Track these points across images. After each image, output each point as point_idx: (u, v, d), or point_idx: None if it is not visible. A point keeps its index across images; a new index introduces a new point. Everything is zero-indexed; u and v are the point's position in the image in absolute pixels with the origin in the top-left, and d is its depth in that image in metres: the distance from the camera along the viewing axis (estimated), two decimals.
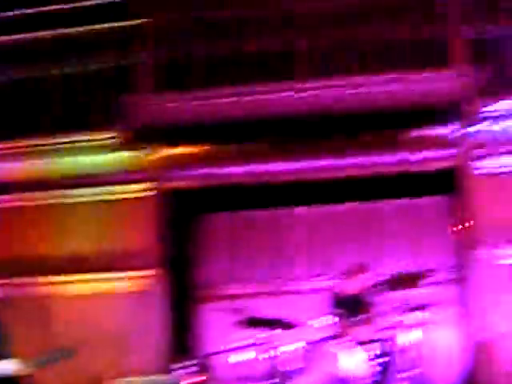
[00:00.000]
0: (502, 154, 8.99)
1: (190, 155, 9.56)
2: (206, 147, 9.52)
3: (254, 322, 8.10)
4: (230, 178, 9.50)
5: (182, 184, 9.60)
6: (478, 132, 8.96)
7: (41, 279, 9.58)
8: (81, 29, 9.98)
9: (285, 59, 9.40)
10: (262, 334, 8.02)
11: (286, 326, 8.14)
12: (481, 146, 9.00)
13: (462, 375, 8.80)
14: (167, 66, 9.58)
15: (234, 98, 9.00)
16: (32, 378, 5.87)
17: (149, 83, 9.60)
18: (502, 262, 8.59)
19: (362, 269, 8.50)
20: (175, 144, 9.52)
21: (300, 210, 10.03)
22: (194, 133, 9.28)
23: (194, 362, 8.18)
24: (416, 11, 9.35)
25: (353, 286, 8.29)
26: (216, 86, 9.28)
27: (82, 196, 9.78)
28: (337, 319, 7.92)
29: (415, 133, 9.21)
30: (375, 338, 7.77)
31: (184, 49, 9.55)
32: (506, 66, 9.16)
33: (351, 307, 7.99)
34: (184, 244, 9.97)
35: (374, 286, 8.34)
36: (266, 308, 8.88)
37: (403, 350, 7.93)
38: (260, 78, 9.27)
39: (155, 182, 9.58)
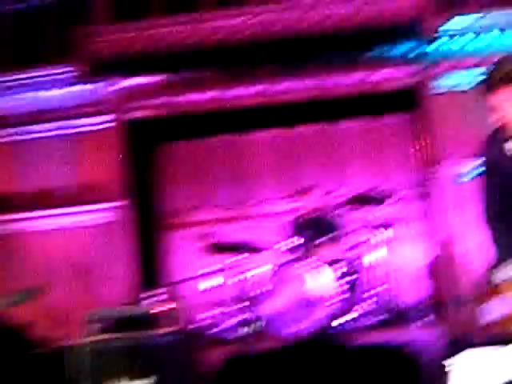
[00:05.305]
0: (459, 71, 8.99)
1: (148, 85, 9.39)
2: (163, 76, 9.35)
3: (221, 248, 8.19)
4: (188, 105, 9.41)
5: (141, 114, 9.49)
6: (436, 49, 8.92)
7: (5, 217, 9.55)
8: None
9: None
10: (229, 259, 8.13)
11: (253, 249, 8.23)
12: (439, 63, 8.99)
13: (428, 291, 8.99)
14: None
15: (189, 26, 8.89)
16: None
17: (103, 13, 9.42)
18: (462, 177, 8.67)
19: (311, 189, 8.59)
20: (132, 74, 9.36)
21: (261, 133, 9.95)
22: (150, 62, 9.16)
23: (164, 290, 8.24)
24: None
25: (312, 207, 8.39)
26: (171, 13, 9.16)
27: (42, 131, 9.68)
28: (302, 241, 8.01)
29: (374, 52, 9.14)
30: (341, 257, 7.85)
31: None
32: None
33: (316, 228, 8.07)
34: (147, 174, 9.91)
35: (338, 206, 8.43)
36: (233, 233, 8.95)
37: (369, 269, 8.09)
38: (212, 4, 9.20)
39: (115, 114, 9.46)
